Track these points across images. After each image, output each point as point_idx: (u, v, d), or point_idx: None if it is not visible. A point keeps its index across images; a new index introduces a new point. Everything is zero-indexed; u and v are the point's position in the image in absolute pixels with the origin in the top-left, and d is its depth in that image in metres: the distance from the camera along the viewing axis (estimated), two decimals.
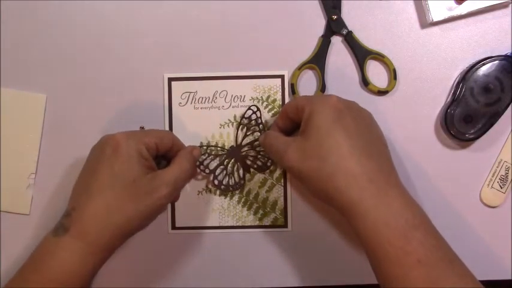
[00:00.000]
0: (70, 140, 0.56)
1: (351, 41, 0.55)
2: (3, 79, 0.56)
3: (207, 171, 0.55)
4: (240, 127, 0.56)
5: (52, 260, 0.45)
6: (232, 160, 0.56)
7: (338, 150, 0.45)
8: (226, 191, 0.56)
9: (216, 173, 0.55)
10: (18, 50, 0.56)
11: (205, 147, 0.55)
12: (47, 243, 0.47)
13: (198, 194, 0.56)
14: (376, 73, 0.56)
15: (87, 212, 0.46)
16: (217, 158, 0.56)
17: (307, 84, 0.56)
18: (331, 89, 0.56)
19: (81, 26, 0.56)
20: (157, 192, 0.47)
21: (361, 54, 0.55)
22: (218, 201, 0.56)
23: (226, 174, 0.55)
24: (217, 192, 0.56)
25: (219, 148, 0.56)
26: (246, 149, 0.56)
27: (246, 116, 0.55)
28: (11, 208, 0.56)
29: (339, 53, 0.56)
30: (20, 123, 0.56)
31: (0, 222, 0.56)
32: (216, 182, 0.55)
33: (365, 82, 0.55)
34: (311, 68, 0.56)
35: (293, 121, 0.52)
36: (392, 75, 0.55)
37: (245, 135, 0.56)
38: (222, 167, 0.56)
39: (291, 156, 0.47)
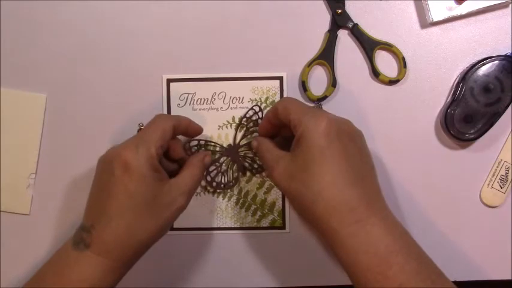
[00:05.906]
0: (70, 140, 0.56)
1: (357, 33, 0.55)
2: (3, 79, 0.56)
3: None
4: (239, 128, 0.56)
5: (72, 274, 0.45)
6: (228, 159, 0.55)
7: (322, 179, 0.45)
8: (217, 188, 0.56)
9: (210, 169, 0.55)
10: (18, 50, 0.56)
11: (203, 143, 0.55)
12: (66, 256, 0.46)
13: (196, 195, 0.56)
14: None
15: (109, 232, 0.45)
16: (214, 156, 0.55)
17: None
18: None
19: (81, 27, 0.56)
20: (176, 203, 0.48)
21: (369, 45, 0.55)
22: (216, 203, 0.56)
23: (219, 172, 0.55)
24: (215, 193, 0.56)
25: (217, 145, 0.55)
26: (243, 149, 0.56)
27: (247, 116, 0.55)
28: (11, 208, 0.56)
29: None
30: (20, 123, 0.56)
31: (0, 222, 0.56)
32: (208, 178, 0.55)
33: (375, 73, 0.55)
34: (320, 64, 0.56)
35: (281, 126, 0.52)
36: (402, 63, 0.55)
37: (244, 136, 0.56)
38: (216, 164, 0.55)
39: (279, 174, 0.48)
